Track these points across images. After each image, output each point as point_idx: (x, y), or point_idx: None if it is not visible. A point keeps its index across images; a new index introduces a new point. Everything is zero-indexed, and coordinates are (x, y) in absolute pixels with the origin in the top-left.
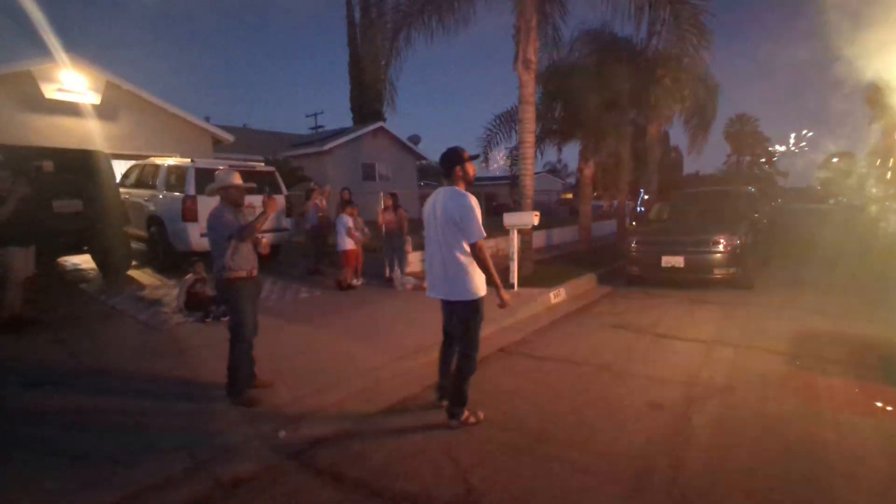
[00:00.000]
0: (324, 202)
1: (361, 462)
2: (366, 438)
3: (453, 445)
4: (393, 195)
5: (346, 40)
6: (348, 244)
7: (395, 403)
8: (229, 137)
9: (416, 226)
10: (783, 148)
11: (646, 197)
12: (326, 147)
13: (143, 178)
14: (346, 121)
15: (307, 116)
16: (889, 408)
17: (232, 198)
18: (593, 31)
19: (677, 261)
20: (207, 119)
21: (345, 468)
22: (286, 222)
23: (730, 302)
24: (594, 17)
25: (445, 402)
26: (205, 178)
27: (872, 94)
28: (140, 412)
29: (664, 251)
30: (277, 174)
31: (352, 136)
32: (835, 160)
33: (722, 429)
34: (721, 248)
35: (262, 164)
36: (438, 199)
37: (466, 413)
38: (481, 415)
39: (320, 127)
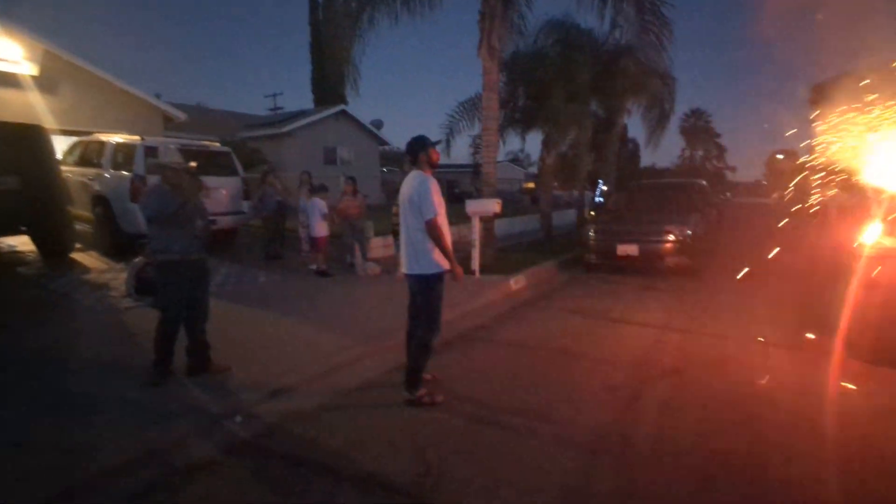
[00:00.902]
0: (279, 185)
1: (320, 444)
2: (325, 421)
3: (413, 426)
4: (352, 179)
5: (308, 19)
6: (323, 230)
7: (356, 387)
8: (181, 115)
9: (377, 211)
10: (732, 144)
11: (604, 188)
12: (286, 129)
13: (88, 155)
14: (307, 102)
15: (266, 97)
16: (818, 383)
17: (168, 178)
18: (557, 22)
19: (632, 249)
20: (158, 96)
21: (303, 450)
22: (244, 205)
23: (680, 289)
24: (558, 7)
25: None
26: (155, 157)
27: (815, 96)
28: (87, 399)
29: (620, 240)
30: (234, 156)
31: (313, 118)
32: (779, 157)
33: (670, 407)
34: (672, 238)
35: (217, 144)
36: (405, 183)
37: (424, 392)
38: (440, 398)
39: (279, 108)
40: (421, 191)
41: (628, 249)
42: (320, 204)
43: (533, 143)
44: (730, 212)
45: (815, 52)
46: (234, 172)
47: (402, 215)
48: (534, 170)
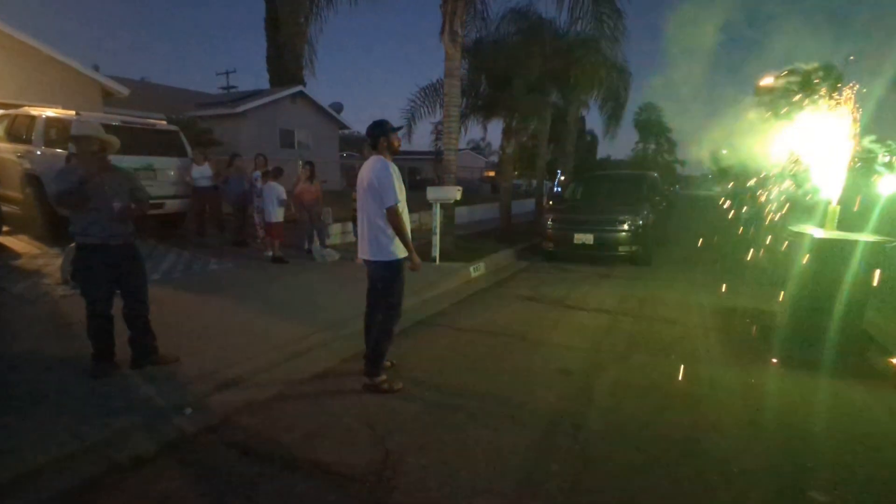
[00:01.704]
0: (248, 170)
1: (276, 434)
2: (280, 411)
3: (371, 414)
4: (310, 164)
5: None
6: (280, 215)
7: (312, 376)
8: (123, 90)
9: (338, 197)
10: (682, 138)
11: (562, 178)
12: (240, 109)
13: (15, 130)
14: (262, 82)
15: (218, 74)
16: (754, 365)
17: (80, 152)
18: (519, 11)
19: (588, 238)
20: (97, 68)
21: (257, 442)
22: (195, 173)
23: (631, 276)
24: None
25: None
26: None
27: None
28: (22, 394)
29: (576, 229)
30: (182, 135)
31: (268, 98)
32: (724, 151)
33: (620, 389)
34: (625, 227)
35: (164, 122)
36: (364, 168)
37: (383, 378)
38: (399, 385)
39: (233, 87)
40: (381, 177)
41: (584, 238)
42: (277, 189)
43: (494, 131)
44: (679, 203)
45: (758, 52)
46: (182, 153)
47: (360, 201)
48: (495, 158)
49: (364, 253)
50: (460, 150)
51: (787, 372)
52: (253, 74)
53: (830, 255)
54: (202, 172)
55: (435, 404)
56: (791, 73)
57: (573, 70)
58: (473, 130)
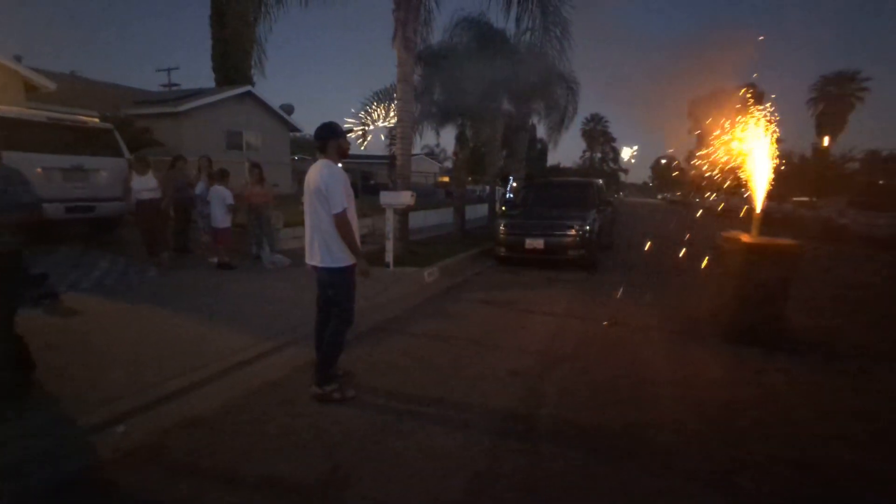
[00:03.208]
0: (192, 172)
1: (219, 450)
2: (224, 425)
3: (321, 424)
4: (257, 166)
5: None
6: (226, 220)
7: (259, 387)
8: (49, 84)
9: (289, 200)
10: (626, 148)
11: (514, 184)
12: (182, 108)
13: None
14: (207, 81)
15: (159, 72)
16: (691, 360)
17: None
18: (472, 19)
19: (538, 243)
20: (19, 59)
21: (197, 458)
22: (135, 185)
23: (579, 280)
24: (473, 4)
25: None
26: (13, 129)
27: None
28: None
29: (527, 234)
30: (117, 133)
31: (214, 98)
32: (662, 161)
33: (568, 389)
34: (573, 232)
35: (96, 120)
36: (312, 172)
37: (334, 388)
38: (351, 393)
39: (175, 85)
40: (329, 182)
41: (535, 243)
42: (223, 193)
43: (448, 137)
44: (623, 209)
45: (694, 68)
46: (117, 153)
47: (308, 205)
48: (449, 164)
49: (312, 259)
50: (414, 155)
51: (719, 364)
52: (197, 72)
53: (752, 257)
54: (145, 184)
55: (387, 412)
56: (720, 90)
57: (523, 79)
58: (427, 136)
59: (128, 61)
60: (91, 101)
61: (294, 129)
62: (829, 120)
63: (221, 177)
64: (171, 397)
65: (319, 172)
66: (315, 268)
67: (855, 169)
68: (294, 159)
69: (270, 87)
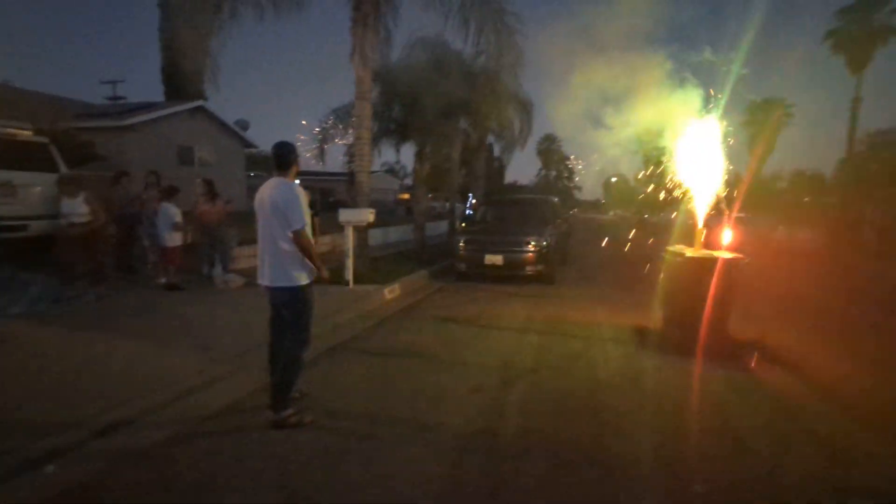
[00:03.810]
0: (135, 189)
1: (166, 483)
2: (173, 456)
3: (277, 451)
4: (208, 182)
5: None
6: (175, 239)
7: (211, 414)
8: None
9: (244, 218)
10: (578, 166)
11: (473, 201)
12: (128, 122)
13: None
14: (157, 94)
15: (103, 84)
16: (645, 370)
17: None
18: (430, 39)
19: (498, 259)
20: None
21: (143, 494)
22: (64, 208)
23: (537, 295)
24: (433, 24)
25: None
26: None
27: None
28: None
29: (487, 250)
30: (53, 148)
31: (163, 112)
32: (613, 179)
33: (529, 403)
34: (531, 248)
35: (29, 132)
36: (266, 190)
37: (291, 412)
38: (309, 418)
39: (121, 98)
40: (288, 199)
41: (494, 259)
42: (171, 211)
43: (408, 154)
44: (577, 225)
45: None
46: (52, 168)
47: (262, 224)
48: (409, 181)
49: (266, 279)
50: (374, 172)
51: (670, 374)
52: (145, 86)
53: (698, 270)
54: (74, 208)
55: (347, 435)
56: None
57: (478, 98)
58: (387, 153)
59: (69, 73)
60: (27, 113)
61: (249, 145)
62: (760, 142)
63: (170, 194)
64: (111, 430)
65: (276, 190)
66: (268, 288)
67: (784, 187)
68: (250, 176)
69: (225, 102)
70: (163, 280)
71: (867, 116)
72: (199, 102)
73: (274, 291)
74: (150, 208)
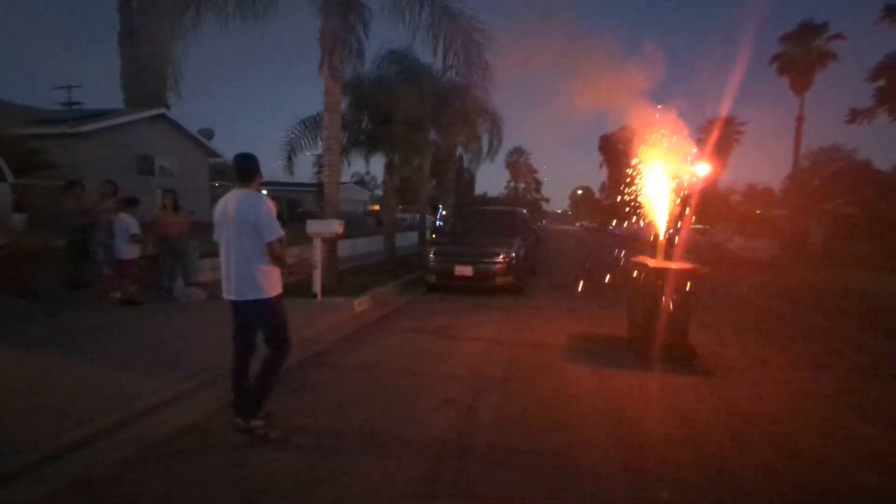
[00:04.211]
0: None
1: None
2: (128, 480)
3: (241, 473)
4: (170, 192)
5: (116, 4)
6: (132, 252)
7: (169, 435)
8: None
9: (208, 229)
10: (545, 178)
11: (444, 212)
12: (84, 129)
13: None
14: (115, 101)
15: (56, 89)
16: (612, 378)
17: None
18: (399, 53)
19: (467, 270)
20: None
21: None
22: (14, 219)
23: (507, 306)
24: (401, 38)
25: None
26: None
27: (603, 144)
28: None
29: (457, 262)
30: None
31: (122, 120)
32: (579, 192)
33: (500, 414)
34: (501, 259)
35: None
36: (231, 201)
37: (259, 424)
38: (275, 434)
39: (76, 104)
40: (262, 210)
41: (464, 270)
42: (128, 222)
43: (378, 166)
44: (545, 236)
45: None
46: None
47: (228, 237)
48: (379, 192)
49: (234, 293)
50: (344, 183)
51: (635, 382)
52: (103, 92)
53: (659, 279)
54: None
55: (315, 452)
56: (626, 128)
57: (448, 112)
58: (357, 164)
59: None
60: None
61: (214, 154)
62: (715, 156)
63: (128, 204)
64: (62, 453)
65: (245, 202)
66: (236, 302)
67: (738, 200)
68: (214, 185)
69: (189, 110)
70: (118, 294)
71: (812, 134)
72: (161, 110)
73: (243, 305)
74: (106, 219)
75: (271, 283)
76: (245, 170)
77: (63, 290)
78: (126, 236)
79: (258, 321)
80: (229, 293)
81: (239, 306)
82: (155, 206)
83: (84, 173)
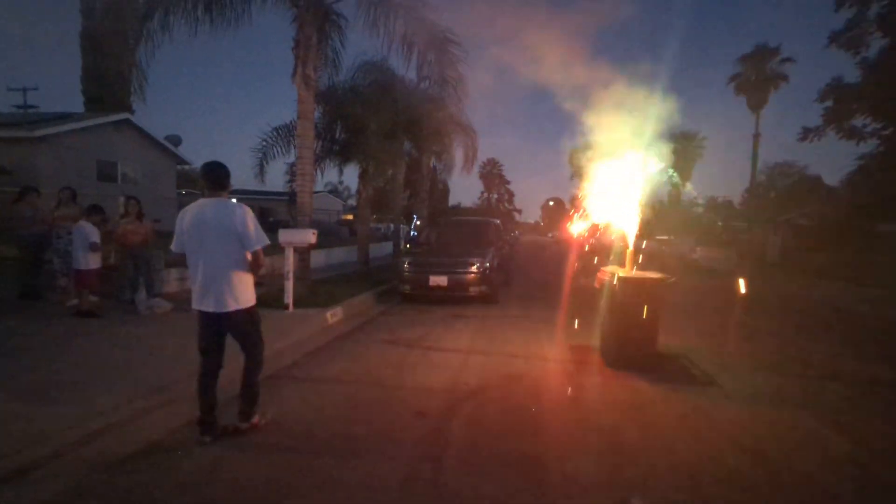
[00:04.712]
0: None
1: None
2: (91, 498)
3: (207, 494)
4: (133, 200)
5: (79, 5)
6: (91, 261)
7: (128, 454)
8: None
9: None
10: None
11: (418, 222)
12: (39, 133)
13: None
14: (76, 105)
15: (11, 91)
16: (585, 386)
17: None
18: (374, 63)
19: (442, 280)
20: None
21: None
22: None
23: (482, 315)
24: (374, 49)
25: (209, 438)
26: None
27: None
28: None
29: (431, 272)
30: None
31: (82, 124)
32: (550, 203)
33: (476, 425)
34: (475, 269)
35: None
36: (208, 210)
37: (258, 418)
38: (267, 419)
39: (32, 107)
40: (246, 219)
41: (439, 280)
42: (87, 229)
43: (352, 175)
44: (518, 247)
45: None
46: None
47: (205, 246)
48: (353, 202)
49: (212, 304)
50: (317, 192)
51: (607, 390)
52: (62, 95)
53: (628, 289)
54: None
55: (286, 469)
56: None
57: (422, 123)
58: (330, 173)
59: None
60: None
61: (182, 161)
62: (679, 169)
63: (89, 212)
64: (6, 480)
65: (225, 210)
66: (218, 314)
67: (700, 212)
68: (181, 193)
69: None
70: (74, 302)
71: (767, 150)
72: (125, 115)
73: (223, 317)
74: (63, 227)
75: (251, 292)
76: (217, 178)
77: (14, 302)
78: (85, 245)
79: (237, 332)
80: (205, 304)
81: (217, 318)
82: (117, 214)
83: (40, 179)
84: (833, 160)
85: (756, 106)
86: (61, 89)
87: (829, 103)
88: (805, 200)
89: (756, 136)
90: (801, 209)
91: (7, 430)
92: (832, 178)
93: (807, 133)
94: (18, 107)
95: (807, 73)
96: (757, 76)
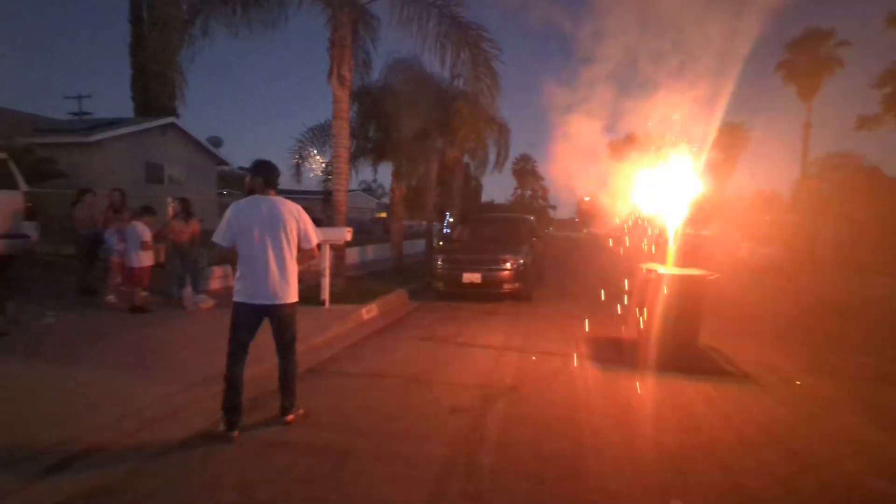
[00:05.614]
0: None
1: None
2: (138, 489)
3: (249, 481)
4: (184, 201)
5: (128, 15)
6: (143, 259)
7: (177, 444)
8: None
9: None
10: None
11: (451, 219)
12: (94, 138)
13: None
14: (125, 110)
15: (68, 99)
16: (622, 387)
17: None
18: (406, 62)
19: (476, 277)
20: None
21: None
22: (26, 227)
23: (515, 312)
24: (409, 48)
25: (237, 432)
26: None
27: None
28: None
29: (465, 269)
30: (11, 163)
31: (132, 129)
32: (586, 199)
33: (508, 422)
34: (509, 266)
35: None
36: (263, 206)
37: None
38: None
39: (87, 114)
40: (304, 217)
41: (472, 277)
42: (140, 229)
43: (385, 173)
44: (552, 243)
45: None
46: (10, 184)
47: (264, 240)
48: (387, 200)
49: (271, 297)
50: (351, 190)
51: (646, 390)
52: (113, 101)
53: (669, 286)
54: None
55: (323, 460)
56: (631, 138)
57: (455, 120)
58: (364, 172)
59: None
60: None
61: (222, 162)
62: (722, 163)
63: (141, 213)
64: (64, 465)
65: (286, 207)
66: (274, 306)
67: (746, 206)
68: (222, 194)
69: (197, 118)
70: (111, 297)
71: (818, 140)
72: (171, 119)
73: (273, 308)
74: (115, 227)
75: (296, 286)
76: (273, 176)
77: (76, 297)
78: (137, 244)
79: (281, 324)
80: (257, 297)
81: (265, 310)
82: (165, 215)
83: (94, 182)
84: (892, 150)
85: (807, 94)
86: (114, 96)
87: (887, 90)
88: (861, 193)
89: (807, 125)
90: (856, 202)
91: (68, 420)
92: (892, 169)
93: (863, 121)
94: (74, 113)
95: (862, 59)
96: (808, 62)
